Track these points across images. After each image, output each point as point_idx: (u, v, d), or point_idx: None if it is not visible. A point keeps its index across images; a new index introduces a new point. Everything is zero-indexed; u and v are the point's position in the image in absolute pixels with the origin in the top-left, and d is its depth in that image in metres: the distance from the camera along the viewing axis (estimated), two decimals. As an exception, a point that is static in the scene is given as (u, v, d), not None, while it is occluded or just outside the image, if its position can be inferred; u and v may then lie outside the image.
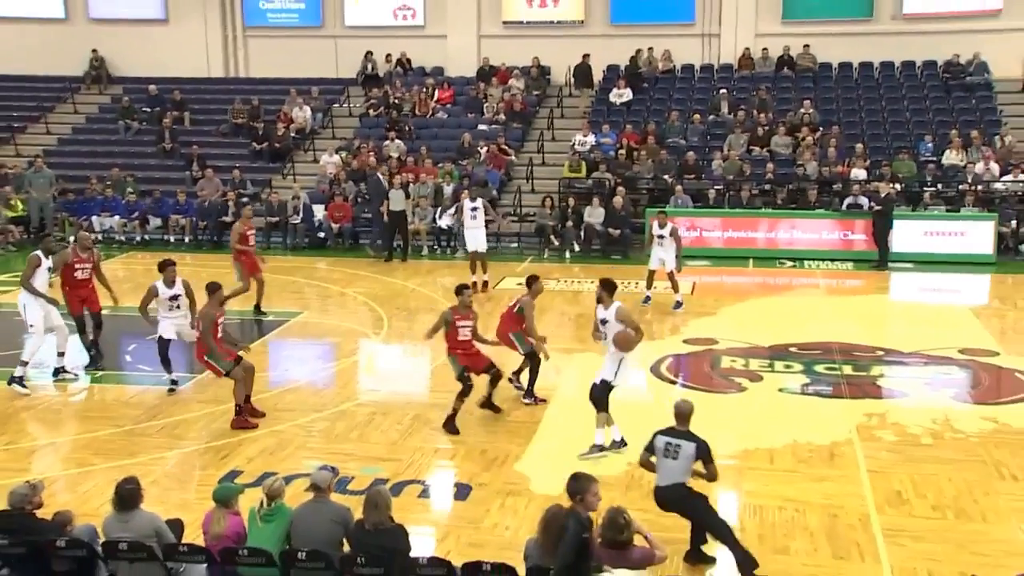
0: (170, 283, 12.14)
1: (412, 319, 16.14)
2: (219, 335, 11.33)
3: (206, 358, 11.34)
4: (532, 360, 11.90)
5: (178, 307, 12.21)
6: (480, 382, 11.39)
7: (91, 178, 23.59)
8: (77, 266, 13.09)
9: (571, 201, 21.40)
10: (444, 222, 21.27)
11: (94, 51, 27.94)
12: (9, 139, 25.93)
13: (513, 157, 23.76)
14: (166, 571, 7.17)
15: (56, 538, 7.14)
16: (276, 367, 14.04)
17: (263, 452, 10.51)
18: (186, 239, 22.19)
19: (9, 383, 12.35)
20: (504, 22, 26.81)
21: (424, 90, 25.95)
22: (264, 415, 11.47)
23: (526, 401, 11.92)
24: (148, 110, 26.51)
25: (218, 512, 7.43)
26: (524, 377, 12.05)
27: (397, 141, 23.97)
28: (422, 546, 8.08)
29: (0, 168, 23.98)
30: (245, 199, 22.56)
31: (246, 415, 11.27)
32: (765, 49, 25.82)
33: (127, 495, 7.23)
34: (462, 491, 9.63)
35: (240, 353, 11.45)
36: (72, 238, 16.63)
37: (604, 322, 10.48)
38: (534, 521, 7.00)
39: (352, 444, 10.82)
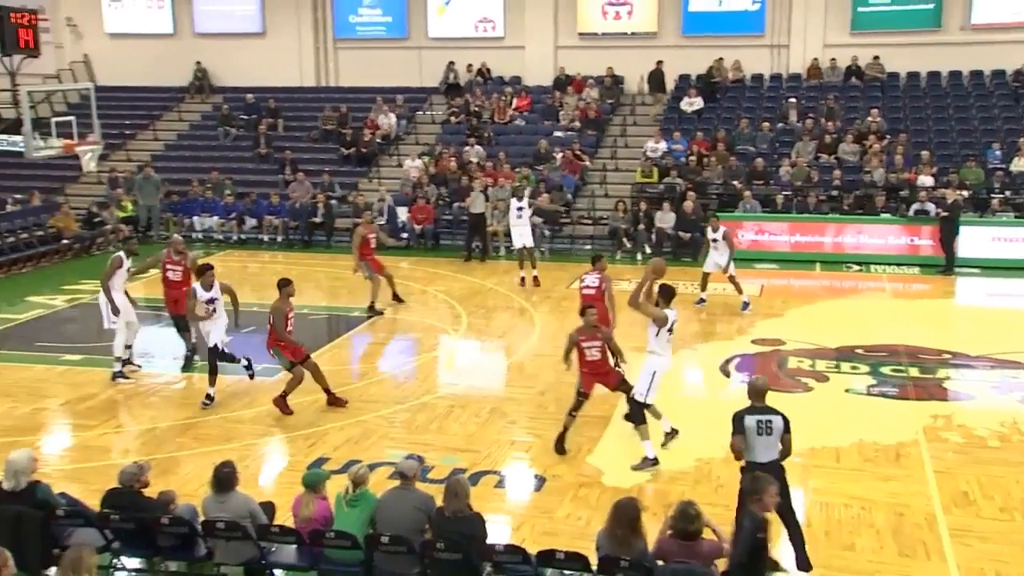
0: (208, 287, 11.93)
1: (489, 316, 16.18)
2: (289, 328, 11.41)
3: (272, 351, 11.55)
4: None
5: (215, 310, 11.97)
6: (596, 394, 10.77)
7: (193, 181, 24.10)
8: (168, 267, 13.28)
9: (643, 205, 21.24)
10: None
11: (198, 63, 28.57)
12: (121, 145, 26.61)
13: (587, 163, 23.65)
14: (259, 550, 7.29)
15: (161, 516, 7.31)
16: (360, 361, 14.22)
17: (348, 441, 10.63)
18: (279, 239, 22.52)
19: (112, 379, 12.65)
20: (580, 33, 26.70)
21: (503, 98, 25.99)
22: (347, 402, 11.59)
23: None
24: (245, 117, 26.99)
25: (307, 496, 7.53)
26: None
27: (477, 147, 24.03)
28: (498, 534, 8.08)
29: (112, 171, 24.63)
30: (334, 200, 22.86)
31: (334, 401, 11.57)
32: (833, 60, 25.30)
33: (224, 478, 7.36)
34: (537, 482, 9.61)
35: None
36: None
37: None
38: (605, 512, 6.95)
39: (432, 435, 10.87)
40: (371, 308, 16.00)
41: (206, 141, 27.01)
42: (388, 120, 25.80)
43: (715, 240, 16.16)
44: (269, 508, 7.87)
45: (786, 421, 7.59)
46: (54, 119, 16.93)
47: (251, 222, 22.85)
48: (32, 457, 7.50)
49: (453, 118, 25.92)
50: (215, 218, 23.06)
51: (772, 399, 7.96)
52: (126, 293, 13.05)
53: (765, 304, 16.50)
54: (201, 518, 7.43)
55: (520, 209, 18.14)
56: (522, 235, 18.05)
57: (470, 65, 27.15)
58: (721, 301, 16.59)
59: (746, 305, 15.95)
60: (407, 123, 26.18)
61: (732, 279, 16.10)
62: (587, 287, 12.30)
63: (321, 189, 23.14)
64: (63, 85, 26.57)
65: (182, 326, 13.20)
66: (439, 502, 7.20)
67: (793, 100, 24.35)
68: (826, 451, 10.12)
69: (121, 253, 12.99)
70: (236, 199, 23.34)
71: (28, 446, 9.25)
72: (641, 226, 20.81)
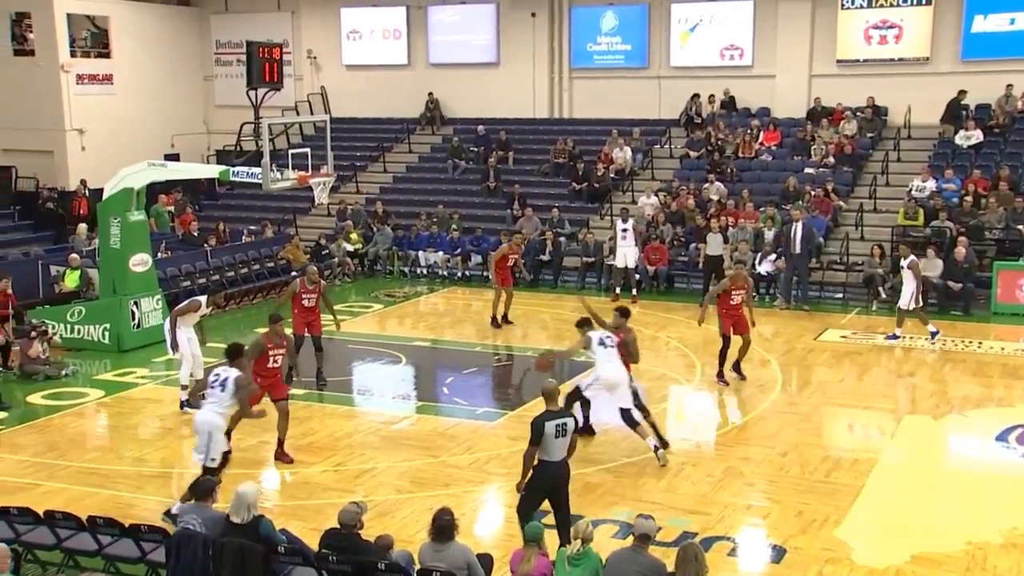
0: (276, 336, 12.15)
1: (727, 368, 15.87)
2: (270, 365, 11.77)
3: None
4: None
5: (275, 360, 12.17)
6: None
7: (420, 214, 25.21)
8: (304, 295, 14.62)
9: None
10: (764, 268, 20.81)
11: (430, 94, 29.94)
12: (351, 177, 28.25)
13: (841, 203, 22.86)
14: (476, 603, 7.43)
15: (378, 561, 7.60)
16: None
17: (571, 494, 10.67)
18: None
19: (181, 408, 13.62)
20: (838, 61, 25.92)
21: (749, 131, 25.61)
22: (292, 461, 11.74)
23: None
24: (475, 150, 27.97)
25: (527, 550, 7.61)
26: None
27: (717, 183, 23.77)
28: (731, 608, 7.87)
29: (341, 203, 26.15)
30: (563, 238, 23.21)
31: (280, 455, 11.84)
32: None
33: (445, 526, 7.58)
34: (776, 553, 9.30)
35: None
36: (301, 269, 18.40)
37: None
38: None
39: (660, 493, 10.77)
40: (494, 320, 18.19)
41: (434, 174, 28.19)
42: (623, 154, 26.00)
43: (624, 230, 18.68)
44: (487, 560, 8.02)
45: (576, 421, 9.16)
46: (290, 151, 18.19)
47: (476, 258, 23.57)
48: (258, 491, 8.02)
49: (693, 152, 25.79)
50: (440, 253, 23.96)
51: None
52: (196, 328, 13.99)
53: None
54: (417, 566, 7.66)
55: (624, 231, 20.48)
56: (627, 255, 20.45)
57: (712, 96, 26.97)
58: (999, 362, 15.55)
59: (934, 335, 16.75)
60: (643, 157, 26.28)
61: (916, 312, 16.93)
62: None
63: (550, 226, 23.58)
64: (301, 117, 28.52)
65: (298, 346, 14.32)
66: (670, 567, 7.11)
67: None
68: None
69: (203, 299, 14.23)
70: (462, 234, 24.18)
71: (252, 479, 9.92)
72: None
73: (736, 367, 14.95)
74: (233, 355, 10.72)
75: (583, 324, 12.29)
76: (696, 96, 26.86)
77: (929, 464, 9.97)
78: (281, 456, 11.81)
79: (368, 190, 27.73)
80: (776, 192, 23.20)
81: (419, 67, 30.40)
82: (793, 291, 20.17)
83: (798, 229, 19.90)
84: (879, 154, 24.51)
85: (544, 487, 8.91)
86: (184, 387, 13.81)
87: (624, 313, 12.60)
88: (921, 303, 17.25)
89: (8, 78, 27.64)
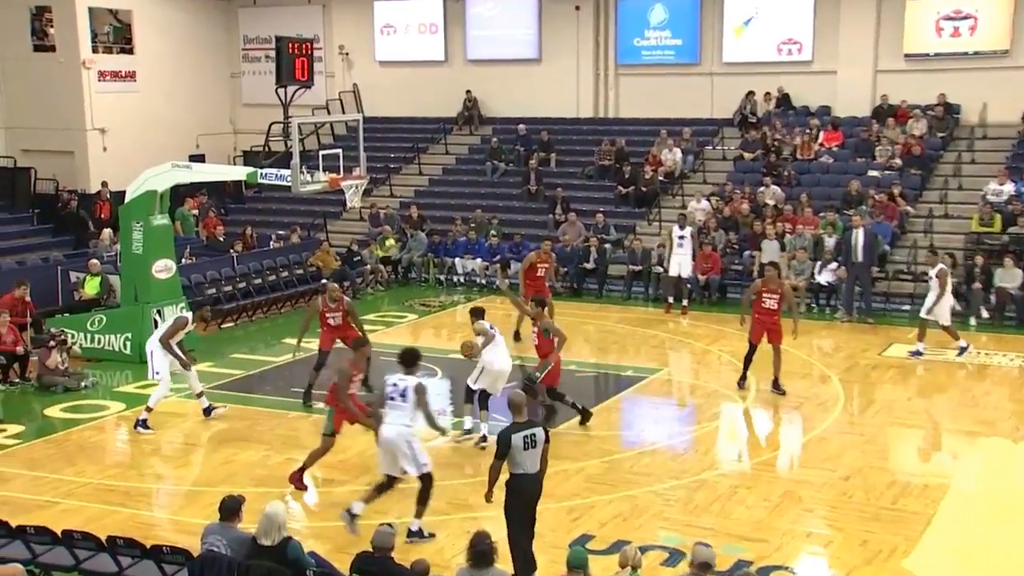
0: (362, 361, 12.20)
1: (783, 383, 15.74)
2: (351, 391, 11.48)
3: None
4: None
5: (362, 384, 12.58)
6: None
7: (456, 219, 25.27)
8: (328, 314, 14.84)
9: (979, 259, 20.00)
10: (824, 278, 20.64)
11: (468, 92, 30.01)
12: (385, 180, 28.39)
13: (908, 208, 22.62)
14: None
15: (412, 586, 7.59)
16: (632, 427, 14.28)
17: (616, 517, 10.65)
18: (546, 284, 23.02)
19: (206, 414, 14.16)
20: (906, 55, 25.66)
21: (808, 131, 25.42)
22: (306, 489, 11.63)
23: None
24: (516, 150, 27.98)
25: (572, 577, 7.58)
26: None
27: (774, 187, 23.62)
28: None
29: (372, 207, 26.28)
30: (608, 244, 23.17)
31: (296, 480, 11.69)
32: None
33: (484, 551, 7.57)
34: (838, 585, 9.20)
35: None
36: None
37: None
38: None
39: (712, 518, 10.69)
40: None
41: (472, 176, 28.27)
42: (672, 155, 25.91)
43: (928, 279, 17.41)
44: (527, 588, 7.99)
45: (546, 432, 8.98)
46: (321, 152, 18.33)
47: (516, 266, 23.56)
48: (286, 511, 8.05)
49: (747, 154, 25.65)
50: (478, 260, 24.01)
51: None
52: (180, 345, 14.25)
53: None
54: (454, 592, 7.66)
55: (682, 238, 20.74)
56: (681, 264, 20.65)
57: (768, 93, 26.82)
58: None
59: (963, 350, 16.83)
60: (694, 159, 26.19)
61: (945, 328, 16.96)
62: None
63: (594, 231, 23.55)
64: (332, 117, 28.73)
65: (320, 364, 14.80)
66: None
67: None
68: None
69: (188, 315, 14.84)
70: (501, 240, 24.20)
71: (278, 498, 9.96)
72: (976, 285, 19.59)
73: (775, 383, 14.93)
74: (409, 362, 10.54)
75: (475, 313, 13.48)
76: (751, 94, 26.72)
77: (1007, 491, 9.79)
78: (297, 480, 11.72)
79: (402, 193, 27.88)
80: (837, 196, 23.01)
81: (456, 63, 30.52)
82: (856, 302, 20.00)
83: (860, 236, 19.75)
84: (951, 155, 24.23)
85: (522, 502, 9.00)
86: (149, 409, 13.90)
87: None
88: (949, 317, 17.07)
89: (27, 75, 28.07)
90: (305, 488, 11.65)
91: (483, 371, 13.04)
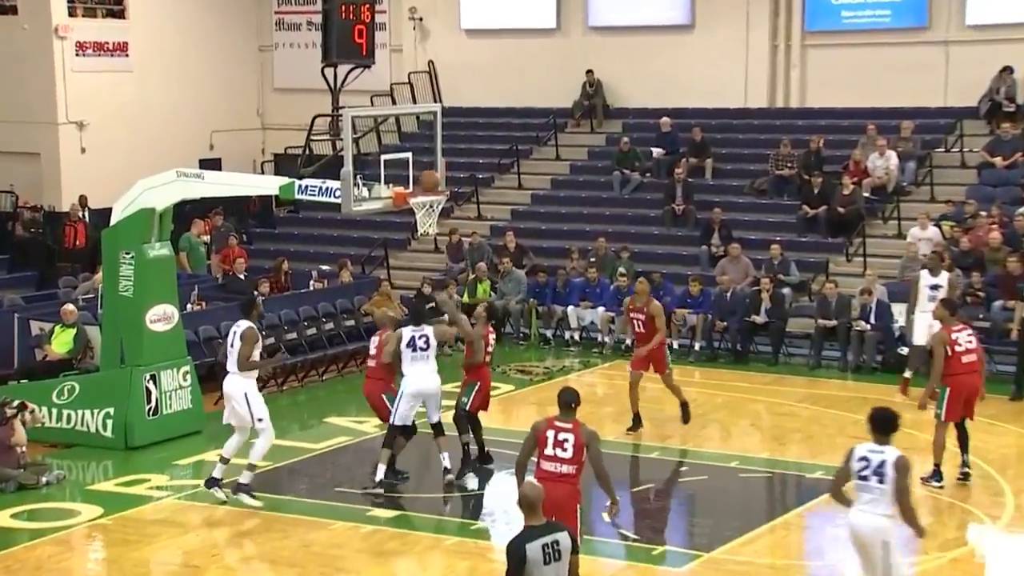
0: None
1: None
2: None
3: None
4: None
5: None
6: None
7: (571, 250, 25.11)
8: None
9: None
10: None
11: (589, 72, 29.85)
12: (470, 195, 28.15)
13: None
14: None
15: None
16: (822, 554, 14.04)
17: None
18: (697, 346, 22.71)
19: (234, 492, 14.55)
20: None
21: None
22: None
23: None
24: (661, 151, 27.75)
25: None
26: None
27: (1040, 209, 23.14)
28: None
29: (453, 233, 26.07)
30: (786, 289, 22.78)
31: None
32: None
33: None
34: None
35: None
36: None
37: None
38: None
39: None
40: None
41: (593, 191, 28.22)
42: (884, 162, 25.53)
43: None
44: None
45: (573, 539, 8.73)
46: (383, 156, 18.22)
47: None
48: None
49: (1000, 159, 25.10)
50: (600, 310, 23.77)
51: None
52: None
53: None
54: None
55: (936, 287, 19.33)
56: (932, 327, 17.10)
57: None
58: None
59: None
60: (916, 167, 25.74)
61: None
62: None
63: (768, 270, 23.19)
64: (399, 108, 28.91)
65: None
66: None
67: None
68: None
69: (245, 322, 15.11)
70: (632, 280, 23.92)
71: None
72: None
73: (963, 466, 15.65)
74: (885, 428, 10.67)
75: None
76: (1007, 70, 26.13)
77: None
78: None
79: (495, 214, 27.93)
80: None
81: (574, 33, 30.67)
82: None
83: None
84: None
85: None
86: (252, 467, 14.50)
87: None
88: None
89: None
90: None
91: (402, 393, 14.86)
